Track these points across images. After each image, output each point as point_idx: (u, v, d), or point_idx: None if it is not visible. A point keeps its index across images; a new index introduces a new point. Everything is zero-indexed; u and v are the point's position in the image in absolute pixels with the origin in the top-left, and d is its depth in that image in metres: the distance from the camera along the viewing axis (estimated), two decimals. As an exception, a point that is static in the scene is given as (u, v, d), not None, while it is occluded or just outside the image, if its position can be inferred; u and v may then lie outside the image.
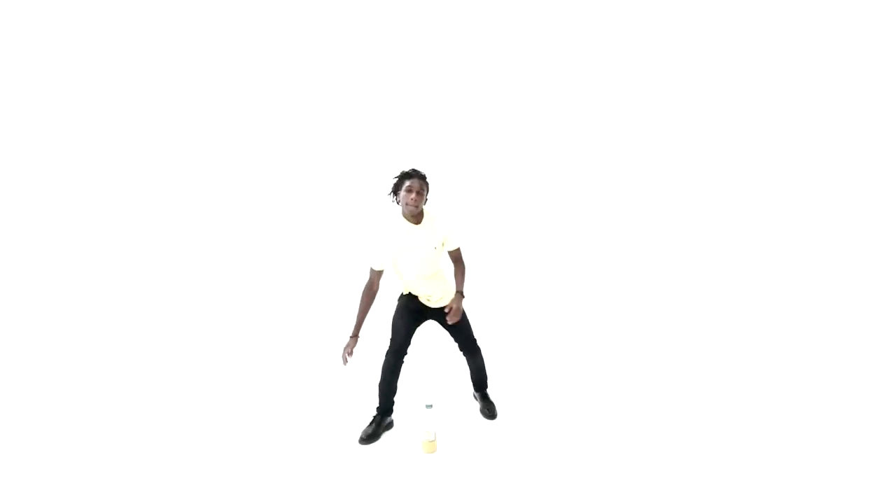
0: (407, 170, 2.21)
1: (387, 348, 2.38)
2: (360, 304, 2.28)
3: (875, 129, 4.24)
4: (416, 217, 2.20)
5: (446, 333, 2.47)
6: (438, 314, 2.38)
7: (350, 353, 2.26)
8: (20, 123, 4.38)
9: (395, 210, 2.26)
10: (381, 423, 2.42)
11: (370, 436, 2.37)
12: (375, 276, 2.27)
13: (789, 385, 2.82)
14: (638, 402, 2.70)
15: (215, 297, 4.43)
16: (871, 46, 4.16)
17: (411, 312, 2.37)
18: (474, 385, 2.63)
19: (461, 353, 2.53)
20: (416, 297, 2.37)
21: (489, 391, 2.67)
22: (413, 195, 2.13)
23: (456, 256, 2.40)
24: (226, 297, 4.43)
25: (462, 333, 2.44)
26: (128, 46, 4.47)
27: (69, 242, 4.50)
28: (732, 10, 4.35)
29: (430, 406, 2.27)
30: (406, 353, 2.37)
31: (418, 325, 2.42)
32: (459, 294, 2.32)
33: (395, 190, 2.20)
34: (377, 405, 2.43)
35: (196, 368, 3.25)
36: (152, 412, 2.70)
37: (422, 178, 2.19)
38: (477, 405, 2.68)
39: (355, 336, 2.28)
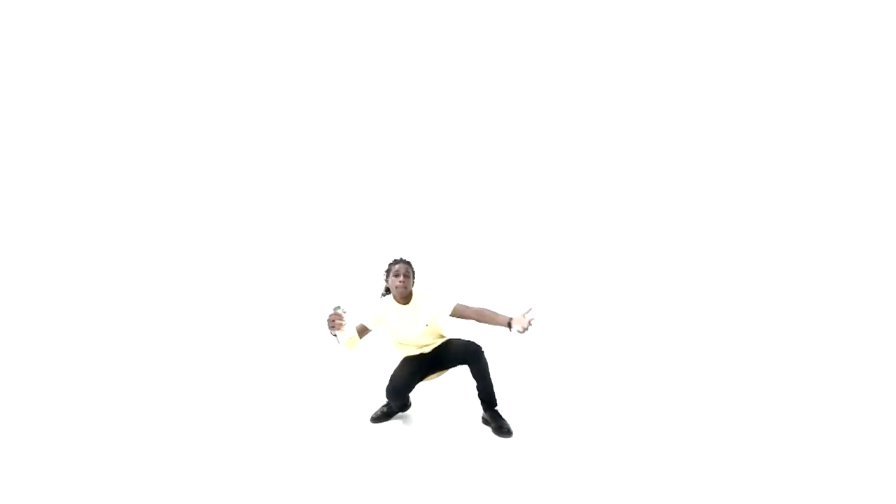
0: (394, 258, 2.42)
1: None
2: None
3: (875, 130, 4.21)
4: (404, 298, 2.37)
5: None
6: (435, 358, 2.47)
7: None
8: (20, 124, 4.42)
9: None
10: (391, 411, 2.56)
11: (380, 416, 2.52)
12: (362, 328, 2.42)
13: (791, 386, 2.81)
14: (639, 404, 2.67)
15: (215, 298, 4.45)
16: (872, 46, 4.12)
17: (413, 365, 2.45)
18: (482, 403, 2.46)
19: (470, 372, 2.42)
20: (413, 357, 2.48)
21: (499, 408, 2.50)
22: (400, 279, 2.32)
23: (462, 313, 2.35)
24: (225, 298, 4.45)
25: (458, 349, 2.41)
26: (128, 47, 4.49)
27: (70, 243, 4.53)
28: (732, 11, 4.33)
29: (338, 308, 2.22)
30: (407, 396, 2.50)
31: (420, 378, 2.46)
32: (511, 320, 2.23)
33: (387, 276, 2.40)
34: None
35: (195, 369, 3.26)
36: (152, 413, 2.70)
37: (407, 263, 2.39)
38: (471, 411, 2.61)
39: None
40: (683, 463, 2.16)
